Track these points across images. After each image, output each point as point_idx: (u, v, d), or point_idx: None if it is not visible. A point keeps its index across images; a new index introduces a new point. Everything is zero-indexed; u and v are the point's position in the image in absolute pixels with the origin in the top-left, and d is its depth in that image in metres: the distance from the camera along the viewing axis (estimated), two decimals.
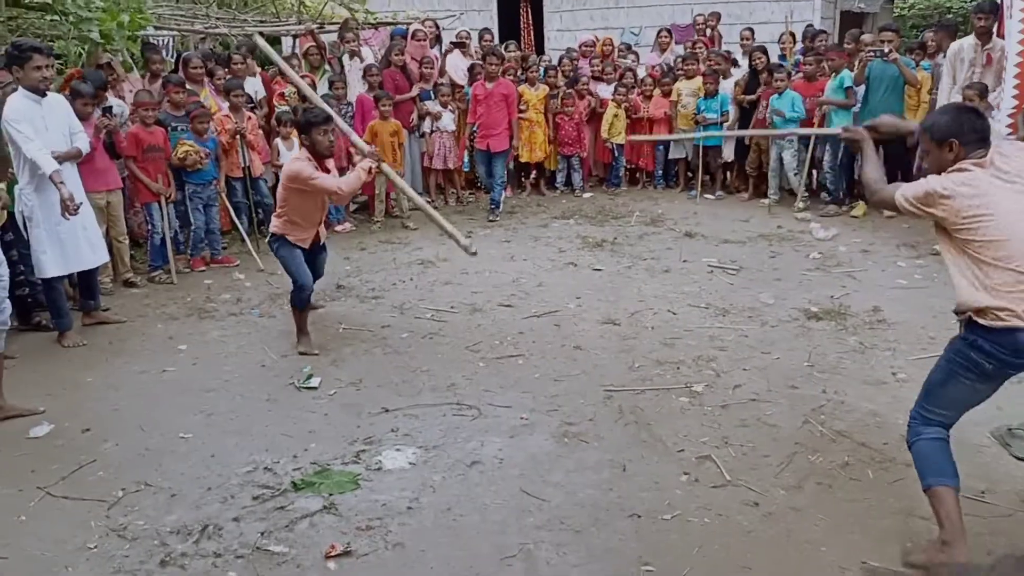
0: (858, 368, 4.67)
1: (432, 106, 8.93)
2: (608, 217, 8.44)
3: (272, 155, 7.90)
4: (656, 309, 5.69)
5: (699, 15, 11.33)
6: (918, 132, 3.08)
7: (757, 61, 8.94)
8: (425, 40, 9.26)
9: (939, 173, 2.95)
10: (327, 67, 8.92)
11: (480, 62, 9.06)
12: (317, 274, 5.38)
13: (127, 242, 6.56)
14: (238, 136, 7.35)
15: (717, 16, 11.28)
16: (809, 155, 8.44)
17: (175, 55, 8.68)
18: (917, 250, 6.97)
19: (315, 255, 5.34)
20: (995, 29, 7.25)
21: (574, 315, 5.62)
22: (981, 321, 2.80)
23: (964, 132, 2.92)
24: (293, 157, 5.11)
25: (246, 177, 7.52)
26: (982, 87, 6.79)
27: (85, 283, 5.70)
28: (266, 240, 5.78)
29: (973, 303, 2.81)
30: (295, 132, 7.78)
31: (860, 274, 6.38)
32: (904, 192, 2.99)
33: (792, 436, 3.95)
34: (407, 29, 9.53)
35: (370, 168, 5.15)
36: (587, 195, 9.51)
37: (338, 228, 8.25)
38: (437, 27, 9.97)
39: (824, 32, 9.59)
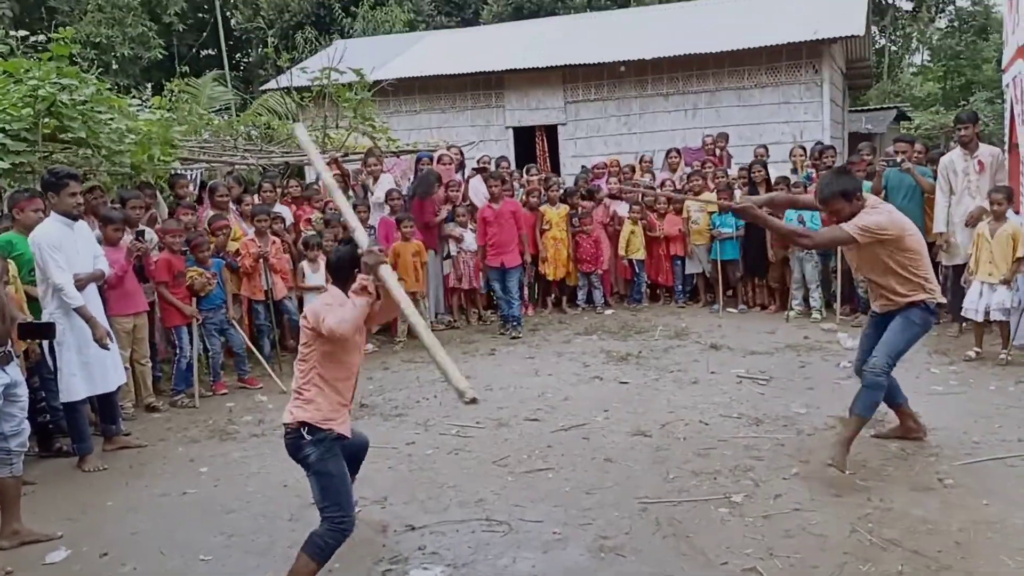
0: (902, 474, 4.51)
1: (453, 228, 9.14)
2: (631, 332, 8.45)
3: (296, 278, 8.05)
4: (687, 420, 5.59)
5: (708, 135, 11.77)
6: (825, 200, 4.43)
7: (756, 174, 9.18)
8: (451, 164, 9.62)
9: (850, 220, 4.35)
10: (351, 193, 9.20)
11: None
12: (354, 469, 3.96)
13: (150, 365, 6.61)
14: (261, 260, 7.52)
15: (725, 137, 11.71)
16: (838, 266, 8.49)
17: (198, 184, 9.02)
18: (949, 356, 6.88)
19: (356, 444, 3.89)
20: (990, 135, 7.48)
21: (603, 427, 5.54)
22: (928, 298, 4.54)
23: (858, 184, 4.42)
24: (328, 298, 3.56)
25: (269, 300, 7.63)
26: (1008, 190, 6.91)
27: (106, 407, 5.71)
28: (296, 442, 3.54)
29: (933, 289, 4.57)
30: (321, 255, 8.00)
31: None
32: (856, 225, 4.34)
33: (840, 545, 3.78)
34: (433, 155, 9.89)
35: (364, 287, 3.39)
36: (609, 311, 9.55)
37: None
38: (462, 154, 10.38)
39: (832, 148, 9.87)
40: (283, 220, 8.19)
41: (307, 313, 3.50)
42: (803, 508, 4.17)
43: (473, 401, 3.16)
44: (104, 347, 5.25)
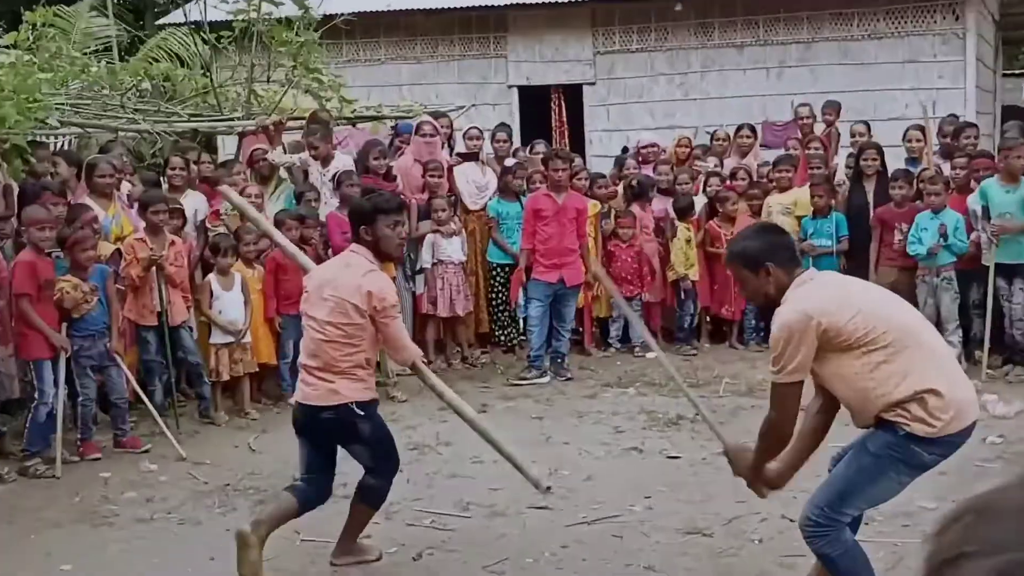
0: None
1: (427, 227, 9.23)
2: (684, 384, 8.49)
3: (203, 296, 8.11)
4: (764, 513, 5.63)
5: (803, 105, 11.78)
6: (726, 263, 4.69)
7: (868, 162, 9.28)
8: (435, 138, 9.76)
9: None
10: (284, 177, 9.30)
11: (511, 164, 9.64)
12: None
13: None
14: (154, 268, 7.58)
15: (836, 107, 11.57)
16: (988, 299, 8.56)
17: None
18: None
19: None
20: None
21: (642, 522, 5.59)
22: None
23: (777, 249, 4.32)
24: (366, 270, 4.91)
25: (163, 325, 7.70)
26: None
27: None
28: (348, 419, 4.94)
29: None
30: (243, 264, 8.08)
31: None
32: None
33: None
34: (412, 126, 10.01)
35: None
36: (652, 354, 9.59)
37: (292, 400, 8.32)
38: (451, 124, 10.55)
39: (974, 127, 10.00)
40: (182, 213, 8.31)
41: (372, 289, 4.79)
42: None
43: (548, 490, 5.07)
44: None
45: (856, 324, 4.04)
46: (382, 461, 5.06)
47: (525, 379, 8.87)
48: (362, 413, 4.88)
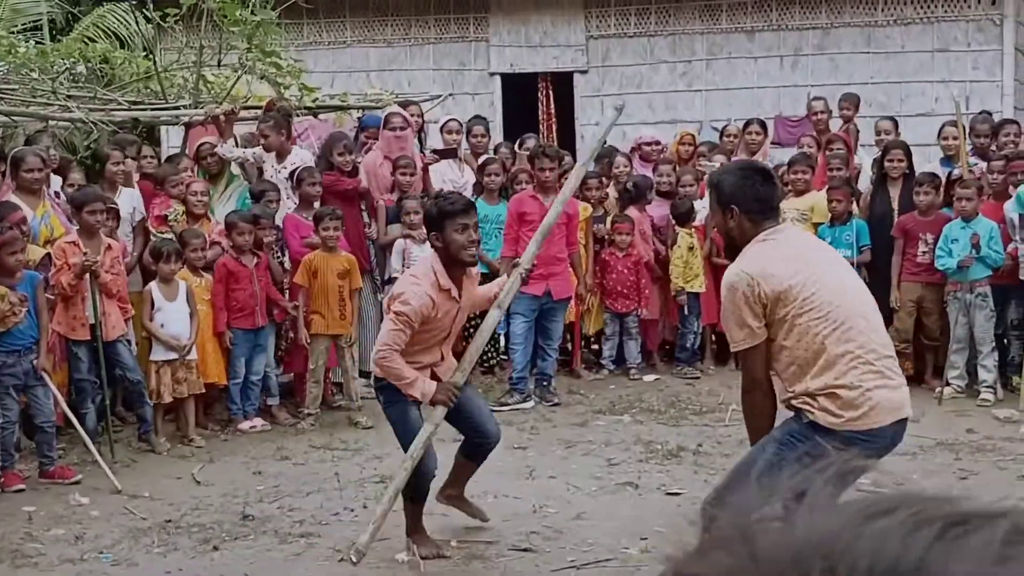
0: None
1: (397, 231, 9.19)
2: (686, 411, 8.55)
3: (143, 308, 8.06)
4: None
5: (816, 98, 11.76)
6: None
7: (894, 164, 9.28)
8: (405, 131, 9.73)
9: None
10: (237, 173, 9.28)
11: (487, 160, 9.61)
12: (479, 428, 5.91)
13: None
14: (87, 275, 7.54)
15: (854, 100, 11.58)
16: None
17: None
18: None
19: (460, 401, 5.66)
20: None
21: (638, 567, 5.56)
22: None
23: (754, 196, 4.58)
24: (411, 275, 5.73)
25: (97, 340, 7.65)
26: None
27: None
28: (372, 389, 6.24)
29: None
30: (190, 271, 8.05)
31: None
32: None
33: None
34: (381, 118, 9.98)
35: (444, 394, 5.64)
36: (650, 377, 9.62)
37: (243, 426, 8.30)
38: (422, 115, 10.51)
39: (1015, 124, 10.02)
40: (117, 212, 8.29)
41: (395, 288, 5.65)
42: None
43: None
44: None
45: (796, 295, 4.33)
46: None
47: (507, 404, 8.83)
48: (384, 394, 5.71)
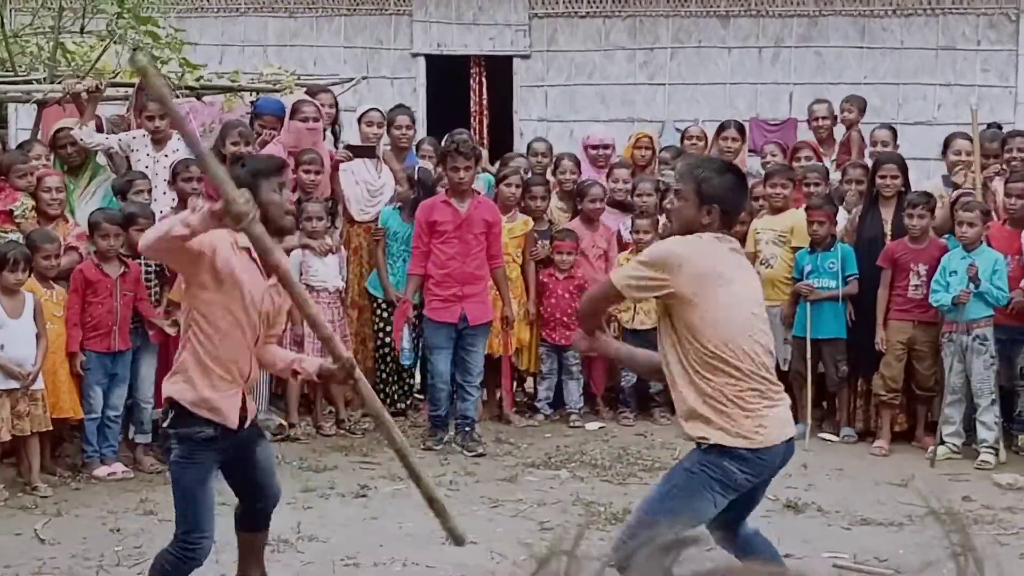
0: None
1: (295, 241, 9.14)
2: (635, 468, 8.54)
3: None
4: None
5: (819, 101, 11.59)
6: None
7: (887, 180, 9.31)
8: (318, 123, 9.72)
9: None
10: (103, 164, 9.18)
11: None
12: (264, 493, 5.77)
13: None
14: None
15: (860, 104, 11.43)
16: None
17: None
18: None
19: (248, 452, 5.60)
20: None
21: None
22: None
23: (727, 199, 5.20)
24: None
25: None
26: None
27: None
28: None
29: None
30: (38, 280, 7.94)
31: None
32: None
33: None
34: (283, 103, 9.92)
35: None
36: (594, 425, 9.64)
37: (99, 472, 8.18)
38: (336, 104, 10.49)
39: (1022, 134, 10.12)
40: None
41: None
42: None
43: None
44: None
45: (700, 298, 4.96)
46: (182, 522, 5.49)
47: (433, 448, 8.78)
48: (175, 442, 5.42)
